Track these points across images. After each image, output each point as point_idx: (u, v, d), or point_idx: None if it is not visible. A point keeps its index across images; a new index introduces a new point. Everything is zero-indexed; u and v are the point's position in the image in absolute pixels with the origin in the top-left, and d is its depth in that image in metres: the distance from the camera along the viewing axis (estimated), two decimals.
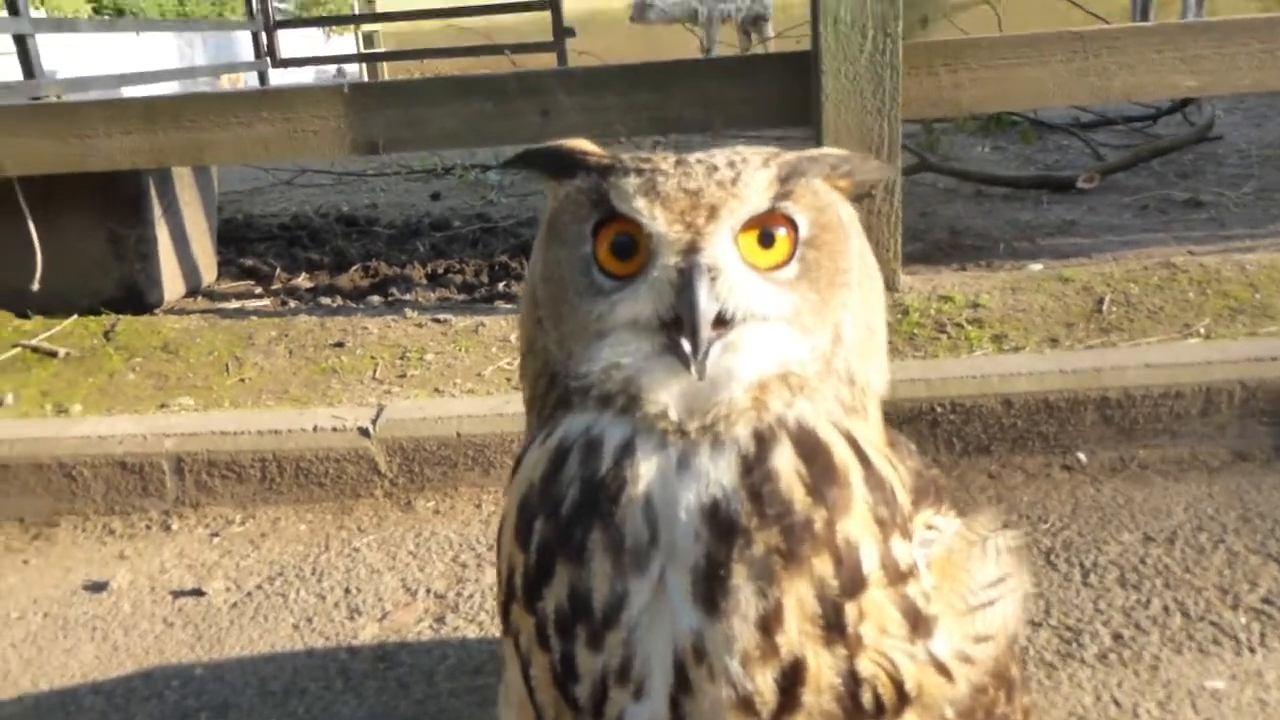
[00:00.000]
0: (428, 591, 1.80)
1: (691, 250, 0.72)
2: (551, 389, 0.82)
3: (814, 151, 0.81)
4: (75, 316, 2.88)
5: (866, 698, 0.72)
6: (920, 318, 2.41)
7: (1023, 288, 2.53)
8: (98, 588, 1.91)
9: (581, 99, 2.59)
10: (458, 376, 2.42)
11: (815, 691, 0.71)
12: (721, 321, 0.72)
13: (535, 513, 0.77)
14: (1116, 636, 1.53)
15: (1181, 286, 2.47)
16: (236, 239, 3.91)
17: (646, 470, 0.73)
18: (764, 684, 0.71)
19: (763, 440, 0.72)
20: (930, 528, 0.80)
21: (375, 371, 2.49)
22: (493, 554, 1.88)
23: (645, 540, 0.72)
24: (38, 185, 2.78)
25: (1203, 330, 2.23)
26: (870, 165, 0.82)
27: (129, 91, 4.60)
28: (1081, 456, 2.04)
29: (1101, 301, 2.41)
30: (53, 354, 2.68)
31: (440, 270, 3.39)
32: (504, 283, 3.19)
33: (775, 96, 2.55)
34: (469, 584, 1.80)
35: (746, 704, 0.71)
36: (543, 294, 0.83)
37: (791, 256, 0.77)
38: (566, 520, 0.75)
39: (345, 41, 13.13)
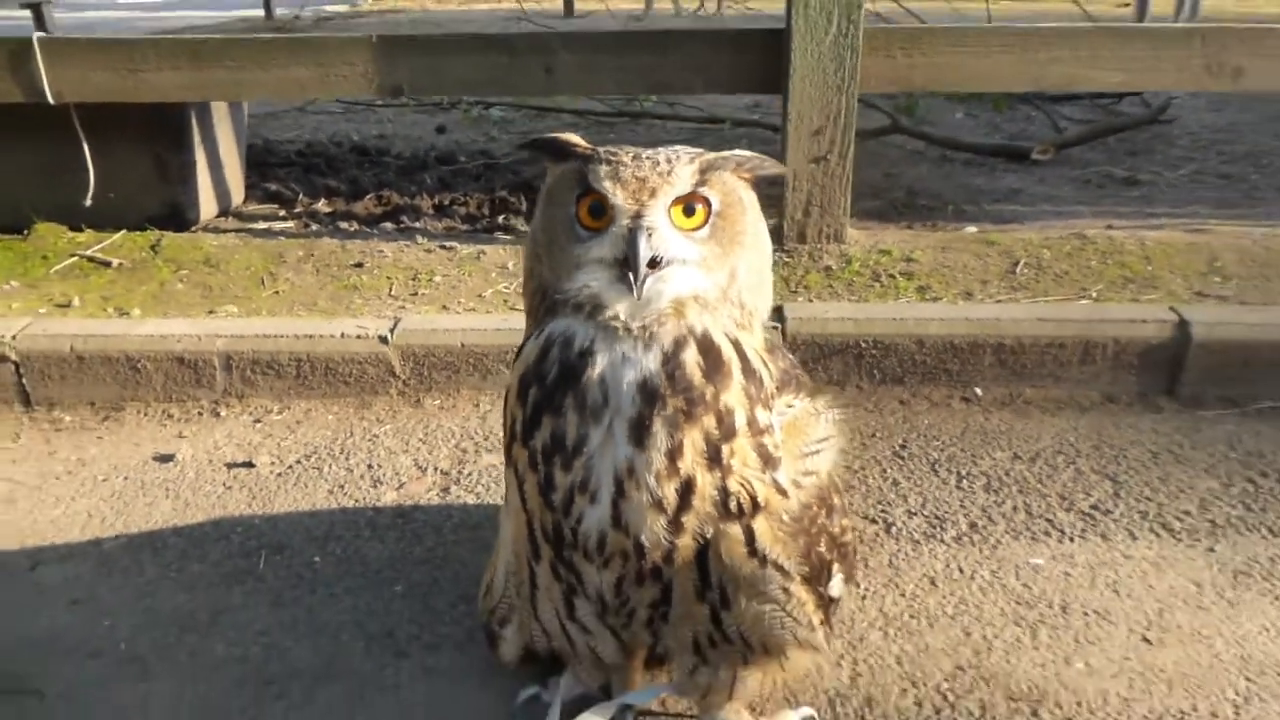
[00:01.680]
0: (435, 469, 2.23)
1: (638, 217, 1.12)
2: (543, 302, 1.22)
3: (728, 153, 1.20)
4: (124, 232, 3.25)
5: (733, 504, 1.15)
6: (860, 267, 2.82)
7: (953, 247, 2.94)
8: (165, 459, 2.33)
9: (581, 58, 2.94)
10: (462, 296, 2.82)
11: (700, 499, 1.13)
12: (654, 263, 1.12)
13: (530, 383, 1.18)
14: (972, 525, 1.97)
15: (1087, 256, 2.87)
16: (258, 164, 4.25)
17: (602, 359, 1.14)
18: (669, 492, 1.13)
19: (677, 342, 1.13)
20: (789, 406, 1.22)
21: (391, 289, 2.88)
22: (488, 443, 2.31)
23: (600, 402, 1.14)
24: (92, 112, 3.13)
25: (1095, 294, 2.65)
26: (767, 165, 1.22)
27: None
28: (978, 391, 2.47)
29: (1017, 264, 2.82)
30: (106, 264, 3.06)
31: (446, 202, 3.76)
32: (503, 216, 3.57)
33: (754, 66, 2.91)
34: (469, 464, 2.23)
35: (659, 505, 1.13)
36: (541, 239, 1.23)
37: (706, 223, 1.17)
38: (550, 388, 1.16)
39: None
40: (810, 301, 2.65)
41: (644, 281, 1.10)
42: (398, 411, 2.50)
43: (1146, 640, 1.65)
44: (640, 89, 3.09)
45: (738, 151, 1.22)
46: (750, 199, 1.23)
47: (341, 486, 2.18)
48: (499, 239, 3.27)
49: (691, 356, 1.13)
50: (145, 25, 12.81)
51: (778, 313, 2.52)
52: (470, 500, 2.10)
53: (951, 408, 2.44)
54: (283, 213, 3.70)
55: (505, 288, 2.86)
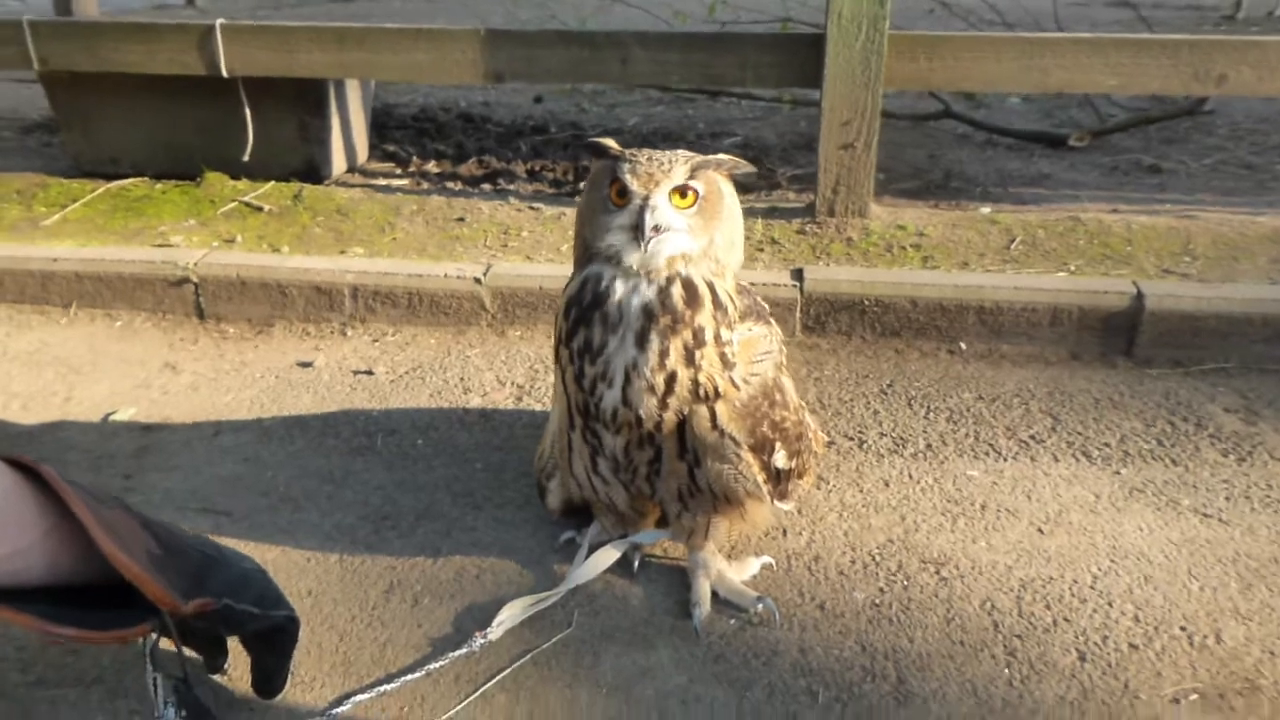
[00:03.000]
0: (513, 383, 2.84)
1: (647, 199, 1.67)
2: (585, 252, 1.78)
3: (711, 156, 1.74)
4: (272, 183, 3.94)
5: (702, 392, 1.71)
6: (877, 240, 3.31)
7: (962, 224, 3.40)
8: (305, 364, 2.99)
9: (651, 54, 3.48)
10: (544, 250, 3.42)
11: (680, 387, 1.70)
12: (657, 229, 1.67)
13: (572, 306, 1.76)
14: (928, 446, 2.49)
15: (1077, 236, 3.31)
16: (379, 126, 4.92)
17: (619, 290, 1.70)
18: (659, 381, 1.69)
19: (669, 279, 1.69)
20: (749, 329, 1.77)
21: (486, 241, 3.50)
22: None
23: (617, 319, 1.70)
24: (253, 84, 3.81)
25: (1073, 268, 3.09)
26: (742, 168, 1.76)
27: None
28: (962, 345, 2.96)
29: (1013, 240, 3.28)
30: (259, 209, 3.76)
31: (537, 168, 4.36)
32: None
33: (796, 64, 3.41)
34: (539, 381, 2.84)
35: (652, 390, 1.70)
36: (585, 211, 1.79)
37: (695, 205, 1.71)
38: (585, 309, 1.73)
39: None
40: (827, 266, 3.16)
41: (649, 241, 1.66)
42: (486, 339, 3.11)
43: (1040, 531, 2.16)
44: (700, 82, 3.61)
45: (719, 156, 1.76)
46: (728, 188, 1.77)
47: (439, 392, 2.81)
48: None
49: (677, 290, 1.68)
50: None
51: (798, 274, 3.05)
52: (538, 407, 2.71)
53: (938, 357, 2.94)
54: (399, 171, 4.36)
55: None
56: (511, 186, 4.12)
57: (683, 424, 1.75)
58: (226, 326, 3.24)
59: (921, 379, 2.82)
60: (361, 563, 2.10)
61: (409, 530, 2.20)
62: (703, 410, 1.73)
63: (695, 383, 1.70)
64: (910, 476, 2.37)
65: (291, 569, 2.08)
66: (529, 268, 3.23)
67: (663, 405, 1.72)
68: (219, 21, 3.65)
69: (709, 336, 1.69)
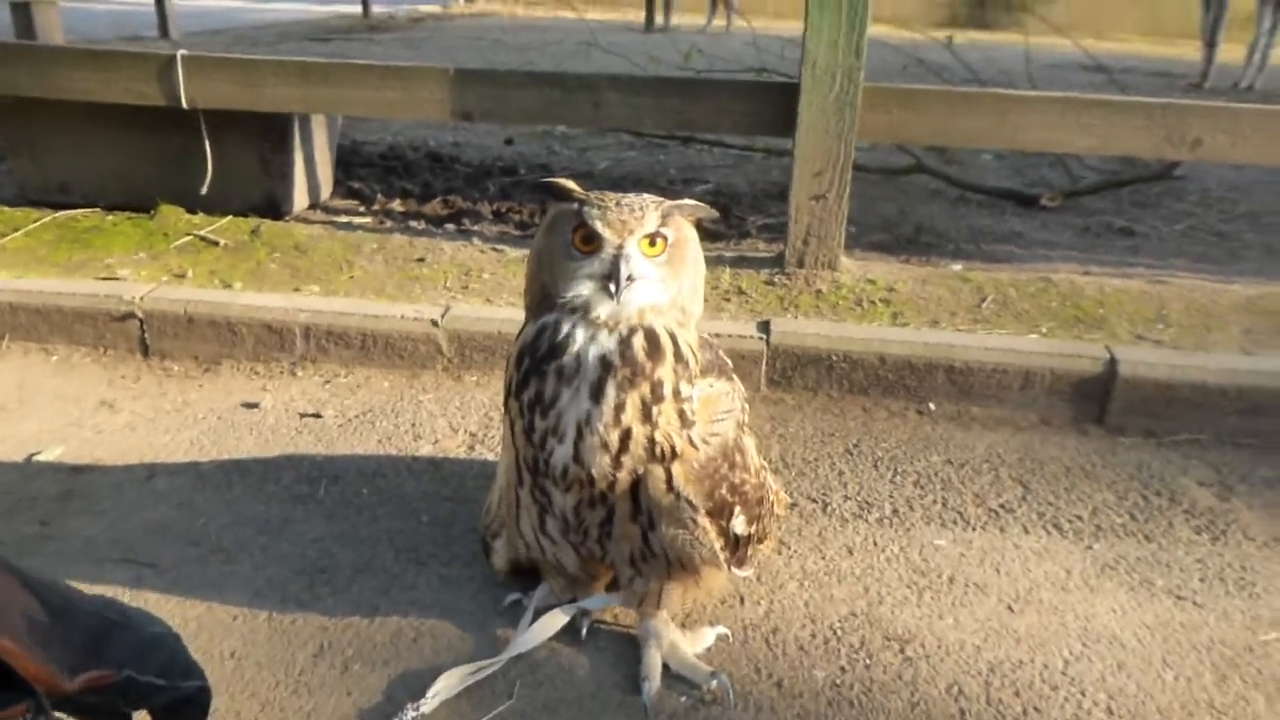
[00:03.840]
0: (466, 431, 2.72)
1: (620, 247, 1.58)
2: (544, 301, 1.68)
3: (679, 201, 1.66)
4: (229, 217, 3.83)
5: (658, 451, 1.60)
6: (847, 293, 3.25)
7: (932, 281, 3.35)
8: (251, 406, 2.86)
9: (624, 98, 3.43)
10: (505, 293, 3.32)
11: (635, 444, 1.60)
12: (630, 280, 1.57)
13: (525, 355, 1.66)
14: (894, 511, 2.40)
15: (1049, 297, 3.26)
16: (344, 163, 4.83)
17: (579, 340, 1.60)
18: (613, 438, 1.59)
19: (631, 330, 1.59)
20: (710, 385, 1.67)
21: (446, 282, 3.39)
22: None
23: (573, 371, 1.60)
24: (214, 116, 3.71)
25: (1045, 330, 3.04)
26: (706, 212, 1.68)
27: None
28: (931, 405, 2.88)
29: (984, 299, 3.23)
30: (215, 243, 3.64)
31: (504, 210, 4.28)
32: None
33: (770, 113, 3.37)
34: (493, 429, 2.72)
35: (606, 447, 1.60)
36: (545, 257, 1.69)
37: (664, 251, 1.63)
38: (538, 359, 1.63)
39: None
40: (795, 319, 3.09)
41: (622, 293, 1.56)
42: (441, 384, 3.00)
43: (1010, 609, 2.06)
44: (673, 127, 3.57)
45: (686, 201, 1.68)
46: (693, 234, 1.68)
47: (389, 438, 2.68)
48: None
49: (639, 341, 1.59)
50: (248, 19, 13.66)
51: (764, 326, 2.97)
52: (490, 457, 2.59)
53: (906, 417, 2.86)
54: (362, 209, 4.26)
55: None
56: (476, 227, 4.03)
57: (637, 485, 1.64)
58: (171, 364, 3.11)
59: (889, 439, 2.74)
60: (292, 622, 1.96)
61: (345, 586, 2.06)
62: (658, 471, 1.63)
63: (651, 441, 1.60)
64: (875, 544, 2.27)
65: (216, 628, 1.94)
66: (488, 311, 3.13)
67: (616, 464, 1.61)
68: (180, 52, 3.56)
69: (668, 391, 1.60)
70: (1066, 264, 3.74)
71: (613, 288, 1.55)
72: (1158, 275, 3.58)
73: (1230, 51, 9.67)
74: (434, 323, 3.03)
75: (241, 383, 3.01)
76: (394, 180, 4.67)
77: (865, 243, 3.91)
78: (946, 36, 6.06)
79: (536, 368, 1.63)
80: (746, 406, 1.79)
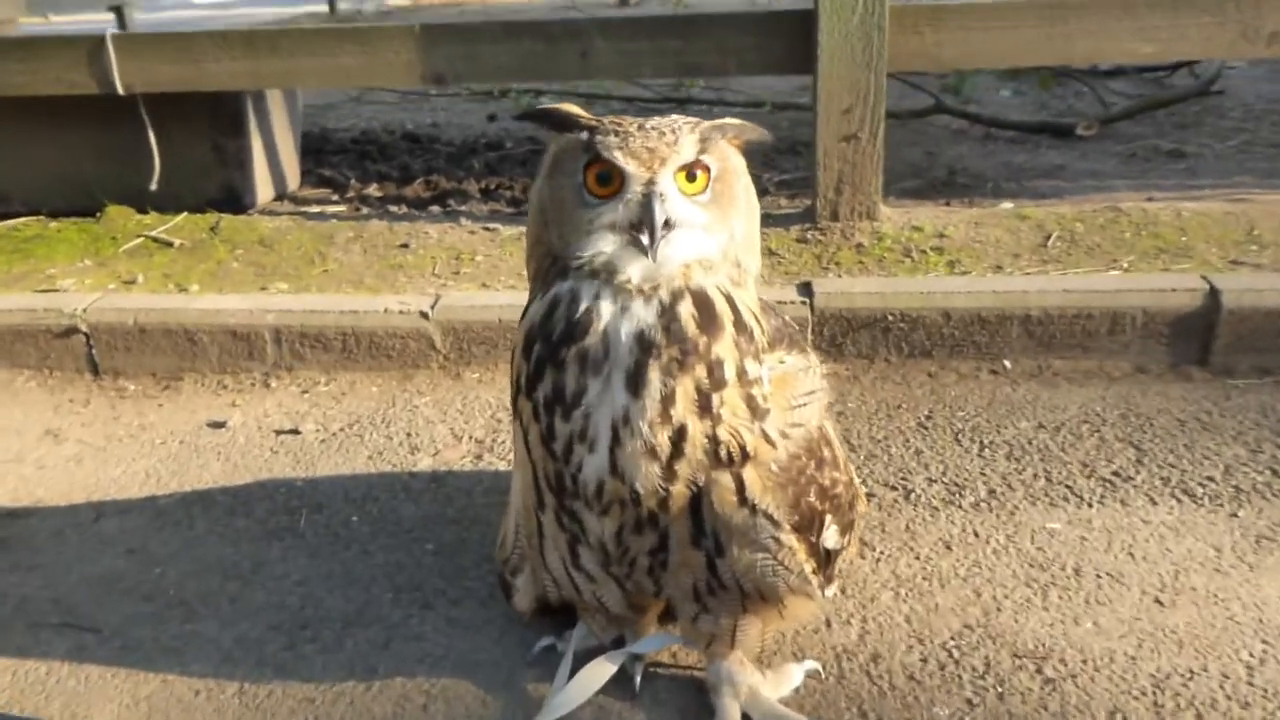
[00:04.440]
0: (470, 438, 2.32)
1: (650, 184, 1.17)
2: (553, 266, 1.28)
3: (720, 121, 1.25)
4: (184, 214, 3.41)
5: (723, 453, 1.20)
6: (891, 244, 2.84)
7: (986, 223, 2.94)
8: (218, 425, 2.46)
9: (616, 44, 3.00)
10: (502, 275, 2.91)
11: (692, 446, 1.19)
12: (666, 225, 1.17)
13: (535, 339, 1.25)
14: (991, 492, 2.00)
15: (1121, 228, 2.85)
16: (315, 151, 4.41)
17: (605, 313, 1.20)
18: (662, 440, 1.19)
19: (674, 295, 1.19)
20: (780, 361, 1.27)
21: (435, 269, 2.99)
22: None
23: (601, 355, 1.20)
24: (157, 102, 3.29)
25: (1126, 265, 2.63)
26: (753, 131, 1.27)
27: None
28: (1006, 363, 2.48)
29: (1049, 237, 2.81)
30: (169, 244, 3.22)
31: (493, 186, 3.86)
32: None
33: (781, 48, 2.94)
34: (502, 433, 2.32)
35: (652, 452, 1.20)
36: (550, 207, 1.28)
37: (707, 188, 1.22)
38: (554, 343, 1.23)
39: None
40: (840, 277, 2.68)
41: (659, 245, 1.16)
42: (438, 384, 2.60)
43: (1159, 602, 1.67)
44: (674, 72, 3.14)
45: (729, 120, 1.27)
46: (741, 164, 1.28)
47: (380, 453, 2.28)
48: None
49: (687, 309, 1.19)
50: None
51: (805, 288, 2.56)
52: (501, 467, 2.19)
53: (979, 379, 2.46)
54: (335, 197, 3.84)
55: None
56: (464, 207, 3.61)
57: (697, 499, 1.24)
58: (125, 383, 2.70)
59: (965, 406, 2.33)
60: (269, 694, 1.57)
61: (335, 643, 1.67)
62: (725, 479, 1.23)
63: (714, 440, 1.20)
64: (976, 534, 1.87)
65: (173, 709, 1.55)
66: (486, 297, 2.72)
67: (668, 474, 1.21)
68: (109, 32, 3.13)
69: (730, 372, 1.19)
70: (1125, 192, 3.33)
71: (645, 239, 1.16)
72: (1231, 194, 3.17)
73: None
74: (424, 314, 2.63)
75: (207, 399, 2.61)
76: (369, 164, 4.24)
77: (897, 190, 3.49)
78: None
79: (552, 355, 1.22)
80: (827, 385, 1.38)
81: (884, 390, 2.42)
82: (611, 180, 1.20)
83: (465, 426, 2.37)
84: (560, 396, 1.22)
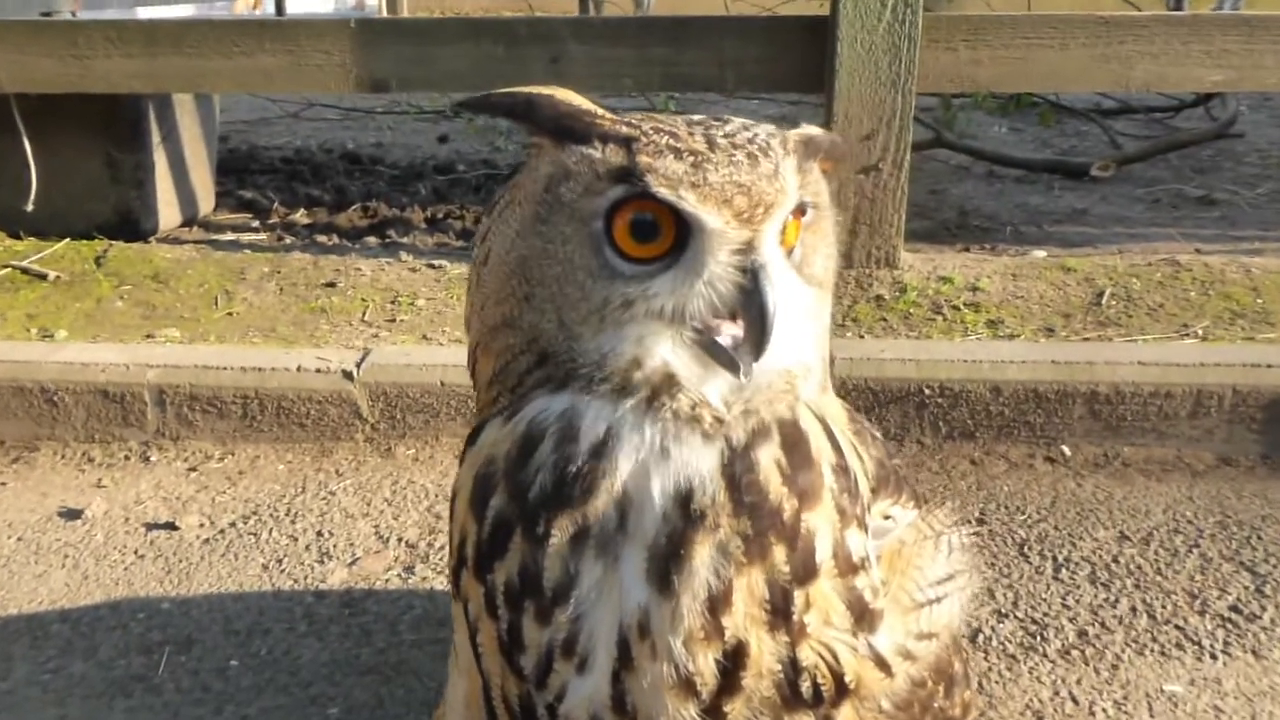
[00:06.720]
0: (399, 540, 1.80)
1: (750, 248, 0.69)
2: (539, 367, 0.78)
3: (808, 132, 0.78)
4: (68, 240, 2.86)
5: (805, 687, 0.71)
6: (918, 297, 2.39)
7: (1024, 274, 2.50)
8: (73, 515, 1.91)
9: (593, 49, 2.53)
10: (447, 324, 2.40)
11: (756, 676, 0.70)
12: (775, 317, 0.68)
13: (493, 488, 0.76)
14: (1081, 633, 1.53)
15: (1184, 285, 2.44)
16: (238, 170, 3.87)
17: (626, 461, 0.71)
18: (705, 665, 0.70)
19: (756, 434, 0.70)
20: (887, 518, 0.79)
21: (365, 314, 2.47)
22: None
23: (613, 528, 0.71)
24: (36, 104, 2.74)
25: (1200, 331, 2.21)
26: (852, 149, 0.81)
27: (144, 13, 4.51)
28: (1065, 449, 2.03)
29: (1101, 294, 2.39)
30: (42, 276, 2.66)
31: (440, 215, 3.36)
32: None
33: (791, 60, 2.50)
34: (442, 535, 1.80)
35: (687, 684, 0.70)
36: (536, 267, 0.78)
37: (797, 241, 0.75)
38: (533, 505, 0.73)
39: None
40: (861, 338, 2.21)
41: (770, 344, 0.69)
42: (362, 463, 2.07)
43: None
44: (661, 85, 2.69)
45: (814, 130, 0.79)
46: (828, 201, 0.80)
47: (280, 560, 1.75)
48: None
49: (770, 455, 0.70)
50: None
51: None
52: (439, 585, 1.67)
53: (1035, 469, 2.00)
54: (255, 223, 3.31)
55: None
56: (405, 239, 3.10)
57: None
58: None
59: (1025, 508, 1.87)
60: None
61: None
62: None
63: (792, 666, 0.71)
64: (1073, 698, 1.40)
65: None
66: (425, 353, 2.21)
67: (714, 716, 0.71)
68: None
69: (824, 552, 0.71)
70: (1164, 242, 2.94)
71: (739, 343, 0.70)
72: None
73: None
74: (347, 374, 2.11)
75: (65, 478, 2.06)
76: (299, 186, 3.71)
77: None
78: None
79: (527, 521, 0.73)
80: (969, 558, 0.89)
81: (920, 482, 1.95)
82: (659, 232, 0.72)
83: (394, 524, 1.85)
84: (533, 585, 0.72)
